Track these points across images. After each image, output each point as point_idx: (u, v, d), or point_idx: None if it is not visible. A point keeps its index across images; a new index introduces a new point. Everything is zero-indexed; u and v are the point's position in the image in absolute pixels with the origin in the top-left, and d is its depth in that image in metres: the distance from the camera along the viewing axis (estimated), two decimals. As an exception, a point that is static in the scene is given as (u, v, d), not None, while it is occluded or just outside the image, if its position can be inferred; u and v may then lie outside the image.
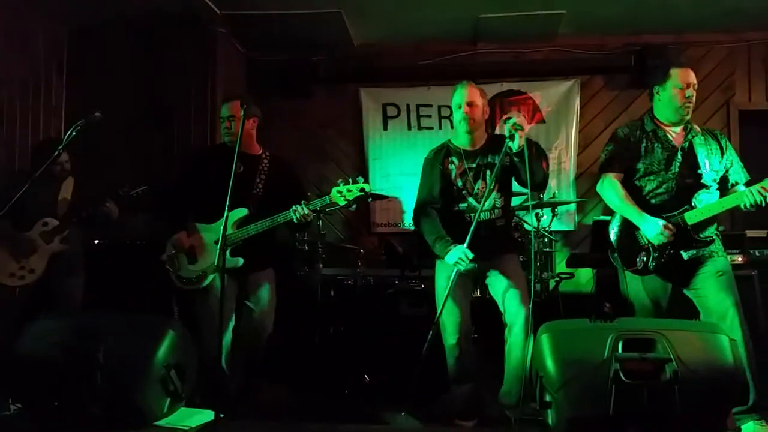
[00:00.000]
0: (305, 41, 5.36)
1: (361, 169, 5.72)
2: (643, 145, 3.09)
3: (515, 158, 3.01)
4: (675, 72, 3.04)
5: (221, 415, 2.73)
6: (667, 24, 5.23)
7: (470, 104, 3.23)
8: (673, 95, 3.03)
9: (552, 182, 5.45)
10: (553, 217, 4.68)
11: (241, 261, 3.27)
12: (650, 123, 3.13)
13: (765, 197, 2.83)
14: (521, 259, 4.13)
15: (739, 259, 4.16)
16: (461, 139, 3.33)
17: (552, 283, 4.60)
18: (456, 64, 5.56)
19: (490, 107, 5.36)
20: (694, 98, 3.05)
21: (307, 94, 5.70)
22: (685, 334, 2.40)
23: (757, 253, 4.39)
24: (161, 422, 2.72)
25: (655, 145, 3.07)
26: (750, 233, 5.08)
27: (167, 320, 2.92)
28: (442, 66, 5.56)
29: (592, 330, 2.44)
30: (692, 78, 3.04)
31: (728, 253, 4.02)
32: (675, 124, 3.10)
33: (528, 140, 3.00)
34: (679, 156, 3.03)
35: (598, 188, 3.23)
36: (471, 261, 3.07)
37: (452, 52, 5.58)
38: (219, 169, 2.97)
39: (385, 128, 5.72)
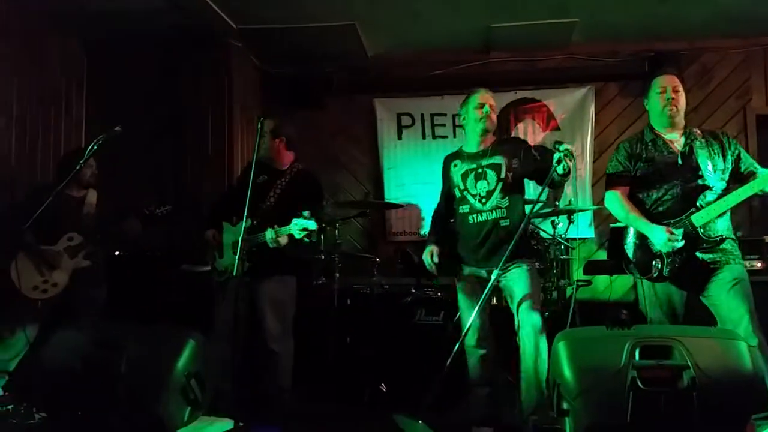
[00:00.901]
0: (319, 53, 5.43)
1: (376, 179, 5.78)
2: (645, 155, 3.13)
3: (556, 178, 3.01)
4: (655, 81, 3.16)
5: (240, 424, 2.77)
6: (681, 30, 5.22)
7: (491, 106, 3.35)
8: (656, 101, 3.13)
9: (568, 189, 5.45)
10: (569, 224, 4.67)
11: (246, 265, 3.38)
12: (649, 133, 3.19)
13: None
14: (538, 266, 4.17)
15: (758, 264, 4.14)
16: (471, 143, 3.42)
17: (569, 291, 4.58)
18: (469, 74, 5.57)
19: (504, 116, 5.53)
20: (680, 100, 3.10)
21: (322, 106, 5.76)
22: (702, 341, 2.38)
23: (777, 259, 4.35)
24: (181, 431, 2.74)
25: (656, 154, 3.12)
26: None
27: (187, 330, 2.94)
28: (456, 75, 5.58)
29: (609, 337, 2.43)
30: (672, 82, 3.11)
31: (747, 259, 4.04)
32: (672, 131, 3.14)
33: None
34: (680, 161, 3.05)
35: (605, 203, 3.28)
36: (475, 265, 3.21)
37: (465, 61, 5.60)
38: (248, 180, 3.16)
39: (400, 138, 5.75)
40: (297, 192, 3.55)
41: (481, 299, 3.07)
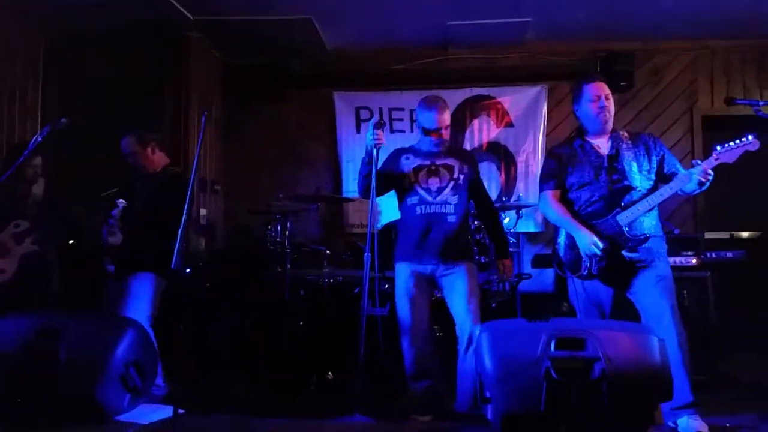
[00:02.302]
0: (279, 46, 5.46)
1: (334, 171, 5.86)
2: (574, 159, 3.25)
3: None
4: (586, 87, 3.23)
5: (180, 411, 2.85)
6: (633, 31, 5.35)
7: (447, 128, 3.45)
8: (587, 109, 3.22)
9: (520, 185, 5.61)
10: (518, 218, 4.81)
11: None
12: (578, 138, 3.30)
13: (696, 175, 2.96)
14: (483, 260, 4.31)
15: (694, 260, 4.28)
16: (424, 143, 3.51)
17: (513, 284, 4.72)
18: (427, 70, 5.68)
19: (460, 112, 5.64)
20: (611, 107, 3.20)
21: (282, 98, 5.81)
22: (615, 335, 2.51)
23: (713, 255, 4.53)
24: (121, 417, 2.81)
25: (584, 158, 3.23)
26: (710, 235, 5.26)
27: (128, 320, 3.02)
28: (414, 71, 5.68)
29: (528, 329, 2.55)
30: (603, 90, 3.20)
31: (682, 255, 4.23)
32: (600, 135, 3.25)
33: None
34: (607, 164, 3.18)
35: (539, 205, 3.43)
36: (416, 260, 3.36)
37: (423, 57, 5.69)
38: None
39: (358, 131, 5.83)
40: (155, 194, 3.66)
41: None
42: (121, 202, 3.44)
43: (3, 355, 2.72)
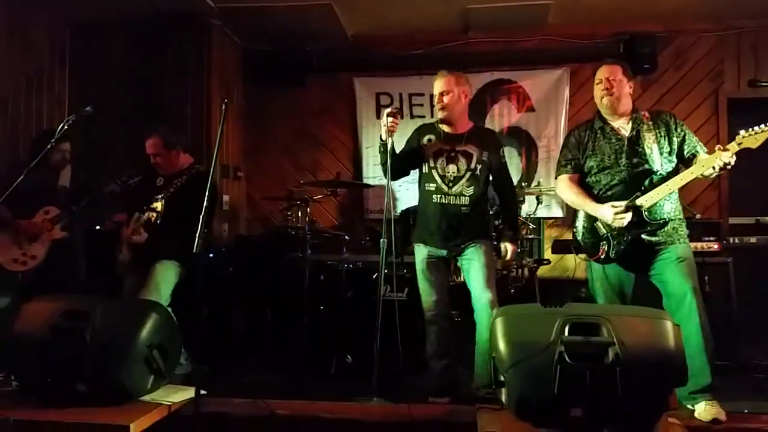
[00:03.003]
0: (299, 32, 5.47)
1: (354, 157, 5.89)
2: (593, 143, 3.23)
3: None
4: (598, 71, 3.24)
5: (203, 392, 2.93)
6: (657, 13, 5.25)
7: (443, 93, 3.44)
8: (596, 92, 3.24)
9: (541, 170, 5.57)
10: (537, 204, 4.79)
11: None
12: (598, 121, 3.28)
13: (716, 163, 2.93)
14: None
15: (715, 246, 4.23)
16: (443, 124, 3.54)
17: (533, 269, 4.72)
18: (447, 54, 5.63)
19: (481, 96, 5.58)
20: (617, 89, 3.15)
21: (303, 84, 5.84)
22: (630, 320, 2.51)
23: (736, 240, 4.48)
24: (145, 397, 2.90)
25: (604, 141, 3.21)
26: (735, 220, 5.17)
27: (152, 304, 3.11)
28: (434, 55, 5.64)
29: (542, 314, 2.57)
30: (609, 72, 3.18)
31: (704, 241, 4.19)
32: (618, 117, 3.22)
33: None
34: (627, 147, 3.15)
35: (556, 189, 3.43)
36: (433, 245, 3.39)
37: (443, 41, 5.66)
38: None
39: (378, 117, 5.80)
40: (183, 193, 3.71)
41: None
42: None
43: (31, 336, 2.82)
